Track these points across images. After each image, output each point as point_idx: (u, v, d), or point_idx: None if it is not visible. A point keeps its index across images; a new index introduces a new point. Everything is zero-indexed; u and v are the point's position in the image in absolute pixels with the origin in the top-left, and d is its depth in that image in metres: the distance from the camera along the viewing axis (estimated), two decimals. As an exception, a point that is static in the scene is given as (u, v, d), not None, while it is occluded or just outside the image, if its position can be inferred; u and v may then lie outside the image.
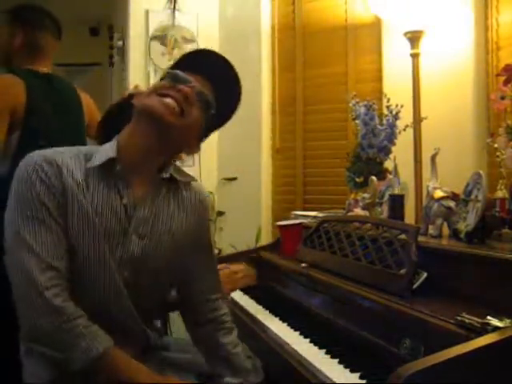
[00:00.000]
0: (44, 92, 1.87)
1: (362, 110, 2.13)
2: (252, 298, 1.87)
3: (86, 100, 2.09)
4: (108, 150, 1.14)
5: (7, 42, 1.93)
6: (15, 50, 1.92)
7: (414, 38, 2.20)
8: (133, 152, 1.15)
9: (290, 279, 1.83)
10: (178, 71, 1.17)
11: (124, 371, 1.04)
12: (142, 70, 2.95)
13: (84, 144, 1.93)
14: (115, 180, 1.14)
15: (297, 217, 2.20)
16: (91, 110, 2.10)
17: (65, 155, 1.13)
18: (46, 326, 1.02)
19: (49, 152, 1.12)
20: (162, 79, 1.21)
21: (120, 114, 1.22)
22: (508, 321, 0.97)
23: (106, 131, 1.24)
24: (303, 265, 1.78)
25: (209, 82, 1.20)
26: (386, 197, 1.82)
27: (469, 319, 1.01)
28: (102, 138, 1.22)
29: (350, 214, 2.01)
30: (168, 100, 1.12)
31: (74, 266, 1.09)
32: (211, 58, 1.24)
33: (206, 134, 1.25)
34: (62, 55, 2.25)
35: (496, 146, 1.61)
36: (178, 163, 1.28)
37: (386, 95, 2.18)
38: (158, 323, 1.51)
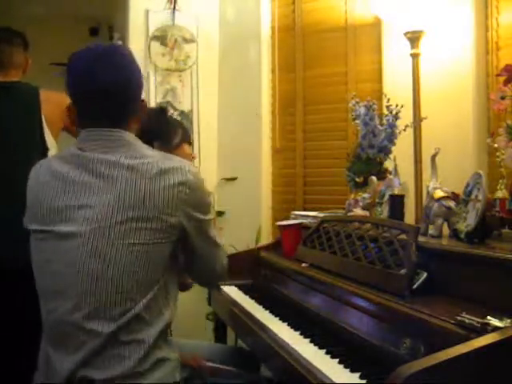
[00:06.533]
0: None
1: (362, 110, 2.13)
2: (252, 298, 1.87)
3: (48, 99, 2.14)
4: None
5: None
6: None
7: (413, 37, 2.20)
8: None
9: (290, 279, 1.83)
10: None
11: None
12: (142, 70, 2.93)
13: (35, 144, 2.05)
14: None
15: (297, 217, 2.20)
16: (52, 107, 2.13)
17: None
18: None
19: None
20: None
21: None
22: (508, 321, 0.97)
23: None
24: (303, 265, 1.78)
25: None
26: (386, 197, 1.82)
27: (469, 319, 1.01)
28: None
29: (349, 214, 2.01)
30: None
31: None
32: None
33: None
34: (62, 55, 2.25)
35: (496, 145, 1.61)
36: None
37: (386, 95, 2.17)
38: None
